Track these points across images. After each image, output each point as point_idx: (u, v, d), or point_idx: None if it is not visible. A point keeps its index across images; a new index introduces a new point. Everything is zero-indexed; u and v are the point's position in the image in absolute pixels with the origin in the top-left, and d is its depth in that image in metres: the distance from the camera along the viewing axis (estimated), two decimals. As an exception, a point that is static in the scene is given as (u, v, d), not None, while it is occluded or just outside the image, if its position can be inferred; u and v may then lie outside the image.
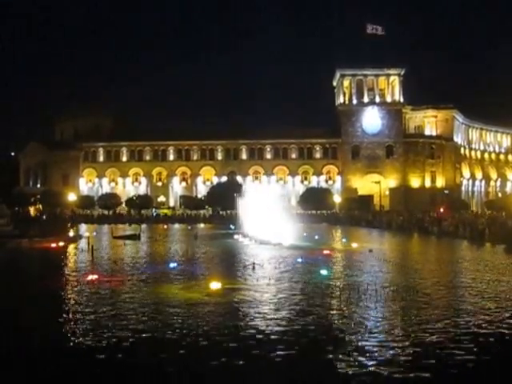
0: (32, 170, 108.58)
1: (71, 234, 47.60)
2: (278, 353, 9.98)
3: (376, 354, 9.82)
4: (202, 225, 71.91)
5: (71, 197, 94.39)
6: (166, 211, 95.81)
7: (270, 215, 38.39)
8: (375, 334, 11.28)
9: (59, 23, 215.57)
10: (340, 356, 9.72)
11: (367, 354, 9.82)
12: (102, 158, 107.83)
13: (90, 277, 18.83)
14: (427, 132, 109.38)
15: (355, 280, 18.63)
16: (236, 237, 40.59)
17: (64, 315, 13.32)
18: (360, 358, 9.56)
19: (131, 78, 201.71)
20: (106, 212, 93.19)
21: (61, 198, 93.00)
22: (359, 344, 10.48)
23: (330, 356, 9.79)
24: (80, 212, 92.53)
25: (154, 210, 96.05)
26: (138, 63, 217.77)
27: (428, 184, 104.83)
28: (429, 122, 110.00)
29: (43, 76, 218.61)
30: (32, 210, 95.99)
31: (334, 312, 13.67)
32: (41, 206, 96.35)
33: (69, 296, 16.06)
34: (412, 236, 47.27)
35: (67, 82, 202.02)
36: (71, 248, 33.54)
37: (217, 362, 9.53)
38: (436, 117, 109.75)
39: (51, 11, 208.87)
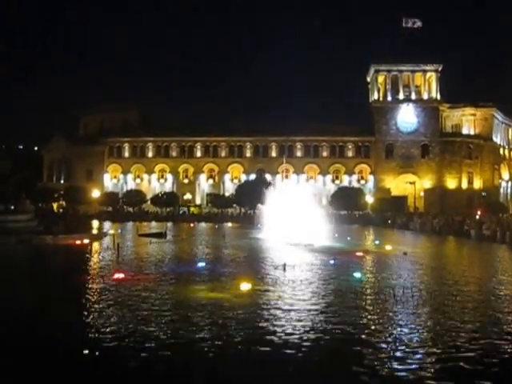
0: (55, 165, 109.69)
1: (95, 231, 48.13)
2: (307, 359, 9.93)
3: (407, 365, 9.68)
4: (229, 224, 72.04)
5: (95, 193, 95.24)
6: (193, 209, 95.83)
7: (300, 215, 38.28)
8: (408, 343, 11.12)
9: (84, 17, 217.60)
10: (370, 364, 9.65)
11: (398, 364, 9.69)
12: (127, 154, 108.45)
13: (116, 275, 18.98)
14: (465, 131, 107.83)
15: (390, 284, 18.43)
16: (265, 237, 40.54)
17: (88, 314, 13.44)
18: (390, 368, 9.46)
19: (158, 74, 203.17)
20: (130, 209, 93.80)
21: (84, 194, 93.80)
22: (391, 353, 10.36)
23: (361, 362, 9.72)
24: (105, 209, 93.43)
25: (184, 207, 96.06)
26: (165, 60, 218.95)
27: (465, 185, 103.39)
28: (467, 120, 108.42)
29: (67, 71, 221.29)
30: (55, 206, 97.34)
31: (368, 317, 13.51)
32: (64, 202, 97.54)
33: (94, 295, 16.17)
34: (448, 239, 46.72)
35: (91, 76, 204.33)
36: (96, 245, 33.85)
37: (244, 365, 9.54)
38: (474, 115, 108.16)
39: (79, 9, 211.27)
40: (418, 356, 10.13)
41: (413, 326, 12.58)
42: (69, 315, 13.16)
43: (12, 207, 51.49)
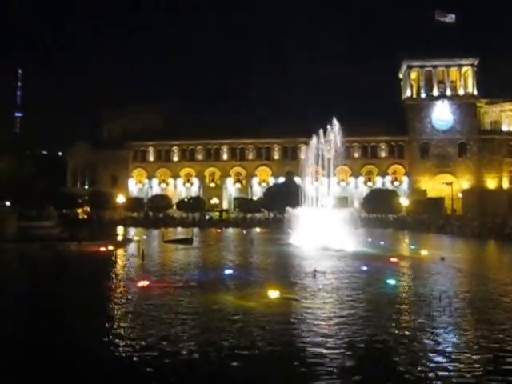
0: (79, 171, 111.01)
1: (120, 237, 48.51)
2: (339, 375, 9.82)
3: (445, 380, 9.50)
4: (257, 229, 71.94)
5: (120, 198, 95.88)
6: (224, 214, 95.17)
7: (331, 219, 38.10)
8: (448, 356, 10.85)
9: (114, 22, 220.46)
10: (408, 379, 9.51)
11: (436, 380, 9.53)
12: (152, 158, 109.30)
13: (141, 283, 19.08)
14: (505, 128, 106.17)
15: (426, 292, 18.16)
16: (294, 242, 40.39)
17: (111, 322, 13.52)
18: None
19: (182, 75, 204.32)
20: (155, 215, 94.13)
21: (109, 199, 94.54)
22: (429, 368, 10.17)
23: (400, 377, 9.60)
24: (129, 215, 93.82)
25: (210, 213, 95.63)
26: (189, 61, 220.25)
27: (506, 185, 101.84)
28: (506, 116, 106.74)
29: (90, 75, 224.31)
30: (80, 211, 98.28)
31: (404, 328, 13.22)
32: (88, 208, 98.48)
33: (118, 303, 16.25)
34: (488, 243, 46.00)
35: (115, 79, 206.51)
36: (121, 252, 34.10)
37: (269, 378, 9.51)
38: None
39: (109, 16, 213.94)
40: (460, 371, 9.94)
41: (453, 338, 12.35)
42: (90, 323, 13.26)
43: (35, 213, 52.17)
